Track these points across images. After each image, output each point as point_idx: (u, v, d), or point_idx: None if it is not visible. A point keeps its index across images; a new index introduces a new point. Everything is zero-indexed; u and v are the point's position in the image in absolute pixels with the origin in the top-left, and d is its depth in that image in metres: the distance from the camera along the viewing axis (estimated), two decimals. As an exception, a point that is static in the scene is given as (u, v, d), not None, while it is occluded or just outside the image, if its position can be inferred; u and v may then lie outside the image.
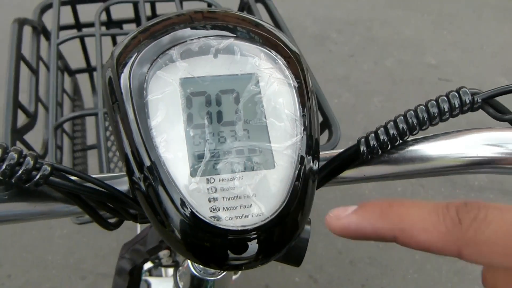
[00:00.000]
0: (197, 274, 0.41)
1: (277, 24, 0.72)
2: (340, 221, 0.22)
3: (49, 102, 0.64)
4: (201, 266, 0.41)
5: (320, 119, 0.61)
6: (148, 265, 0.79)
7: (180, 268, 0.51)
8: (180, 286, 0.49)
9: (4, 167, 0.23)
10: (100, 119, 0.50)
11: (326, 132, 0.59)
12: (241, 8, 0.79)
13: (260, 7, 0.77)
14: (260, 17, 0.72)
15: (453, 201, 0.20)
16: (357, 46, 2.44)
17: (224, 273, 0.42)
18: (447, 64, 2.39)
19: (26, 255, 1.45)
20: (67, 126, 0.79)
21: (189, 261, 0.42)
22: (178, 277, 0.51)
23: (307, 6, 2.68)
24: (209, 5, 0.78)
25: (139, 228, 1.02)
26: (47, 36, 0.74)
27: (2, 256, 1.43)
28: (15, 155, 0.24)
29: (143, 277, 0.73)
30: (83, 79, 0.92)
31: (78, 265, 1.44)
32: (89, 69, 0.87)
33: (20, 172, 0.24)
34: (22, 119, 0.59)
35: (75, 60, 0.86)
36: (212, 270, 0.42)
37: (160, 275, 0.82)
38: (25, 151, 0.25)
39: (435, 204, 0.20)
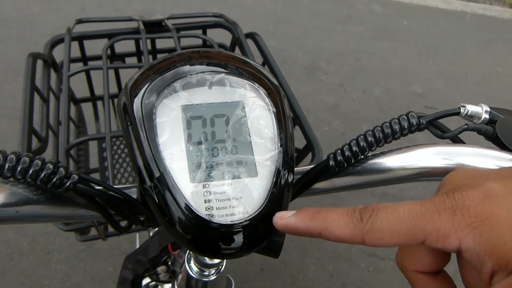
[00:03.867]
0: (194, 276, 0.47)
1: (265, 57, 0.79)
2: (283, 220, 0.30)
3: (58, 128, 0.70)
4: (197, 269, 0.47)
5: (305, 142, 0.68)
6: (146, 280, 0.83)
7: (178, 277, 0.57)
8: (178, 292, 0.55)
9: (42, 175, 0.29)
10: (108, 142, 0.57)
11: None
12: (233, 43, 0.86)
13: (250, 42, 0.84)
14: (250, 50, 0.79)
15: (358, 207, 0.28)
16: (346, 76, 2.53)
17: (217, 275, 0.48)
18: (433, 92, 2.49)
19: (24, 280, 1.47)
20: (72, 152, 0.85)
21: (187, 265, 0.47)
22: (176, 286, 0.56)
23: (298, 38, 2.79)
24: (204, 41, 0.85)
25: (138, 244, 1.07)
26: (56, 68, 0.81)
27: (0, 281, 1.46)
28: (51, 166, 0.30)
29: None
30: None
31: (75, 289, 1.47)
32: (93, 98, 0.93)
33: (54, 179, 0.30)
34: (34, 143, 0.65)
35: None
36: (206, 272, 0.47)
37: (157, 292, 0.86)
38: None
39: (347, 209, 0.28)
